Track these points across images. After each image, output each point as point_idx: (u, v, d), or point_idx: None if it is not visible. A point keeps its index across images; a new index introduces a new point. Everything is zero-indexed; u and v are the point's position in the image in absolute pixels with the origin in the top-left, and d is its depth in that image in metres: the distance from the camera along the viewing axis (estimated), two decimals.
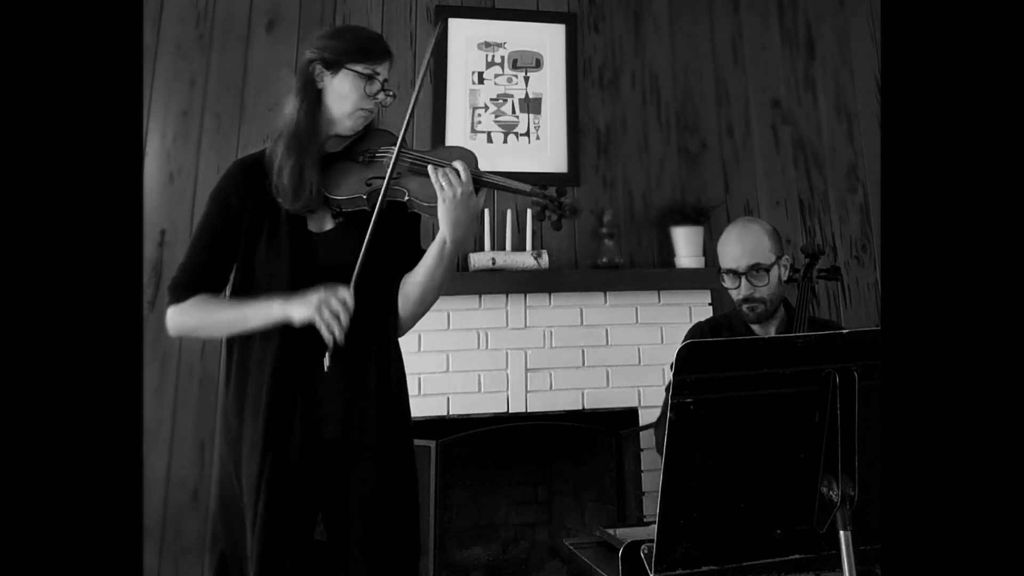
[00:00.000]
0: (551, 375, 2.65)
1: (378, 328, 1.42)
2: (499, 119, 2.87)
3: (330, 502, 1.37)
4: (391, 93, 1.44)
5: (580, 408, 2.67)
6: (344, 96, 1.40)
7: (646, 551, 1.26)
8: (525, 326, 2.65)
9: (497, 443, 2.76)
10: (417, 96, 1.43)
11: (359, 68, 1.39)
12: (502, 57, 2.92)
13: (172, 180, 2.63)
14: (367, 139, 1.48)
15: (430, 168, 1.38)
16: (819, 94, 3.19)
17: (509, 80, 2.91)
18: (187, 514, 2.44)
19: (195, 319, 1.38)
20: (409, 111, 1.40)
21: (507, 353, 2.63)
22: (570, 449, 2.96)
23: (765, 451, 1.02)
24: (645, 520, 2.35)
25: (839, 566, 1.00)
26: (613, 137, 2.98)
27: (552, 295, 2.68)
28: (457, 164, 1.37)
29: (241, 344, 1.40)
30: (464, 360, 2.61)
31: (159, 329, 2.52)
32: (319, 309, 1.27)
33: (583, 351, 2.69)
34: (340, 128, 1.43)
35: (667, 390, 1.91)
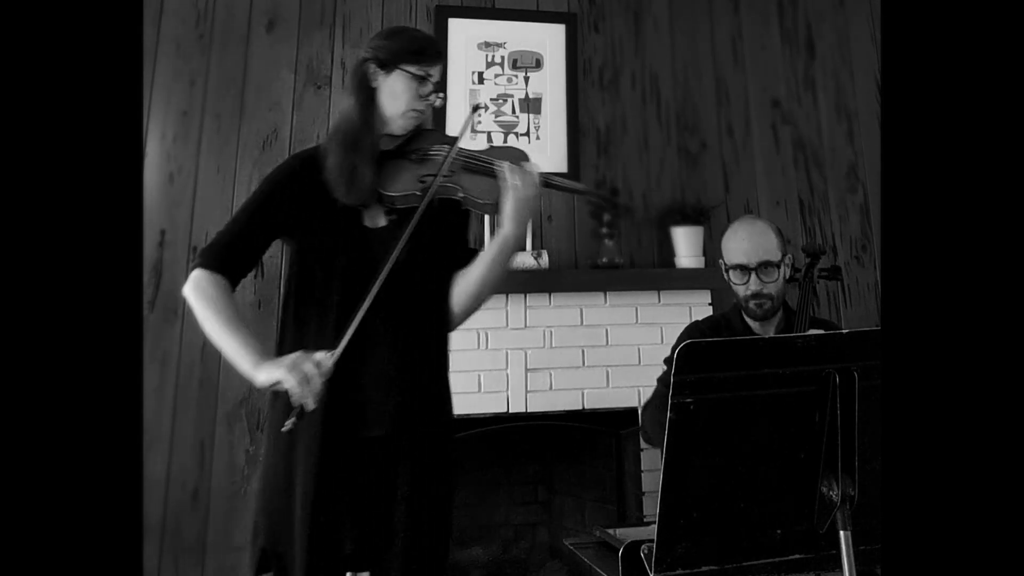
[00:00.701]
0: (551, 375, 2.65)
1: (433, 326, 1.45)
2: (499, 119, 2.87)
3: (375, 501, 1.37)
4: (441, 95, 1.47)
5: (580, 408, 2.67)
6: (397, 96, 1.42)
7: (646, 551, 1.26)
8: (525, 326, 2.65)
9: (497, 443, 2.76)
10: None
11: (412, 69, 1.41)
12: (502, 57, 2.92)
13: (172, 180, 2.63)
14: (419, 138, 1.50)
15: (506, 165, 1.43)
16: (819, 94, 3.19)
17: (509, 80, 2.91)
18: (187, 514, 2.43)
19: (200, 302, 1.37)
20: (469, 117, 1.49)
21: (507, 353, 2.63)
22: (570, 449, 2.96)
23: (765, 451, 1.02)
24: (645, 520, 2.34)
25: (839, 566, 1.00)
26: (613, 137, 2.98)
27: (552, 295, 2.68)
28: (530, 165, 1.44)
29: (294, 341, 1.40)
30: (464, 360, 2.60)
31: (159, 329, 2.53)
32: (290, 369, 1.23)
33: (583, 351, 2.69)
34: (393, 127, 1.46)
35: (659, 380, 1.92)
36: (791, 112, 3.15)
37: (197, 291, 1.38)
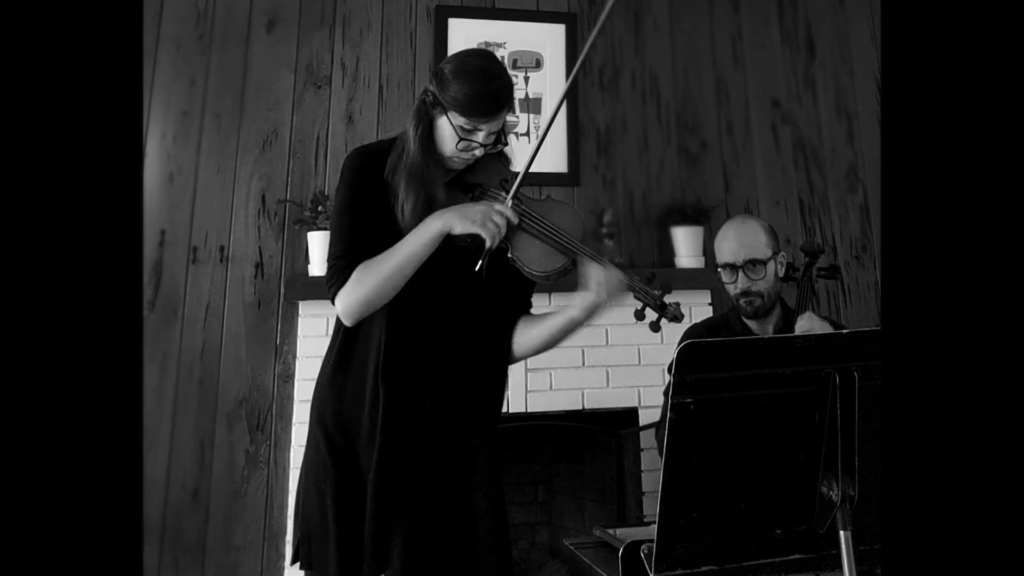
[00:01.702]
0: (551, 375, 2.65)
1: (489, 367, 1.46)
2: None
3: (415, 509, 1.37)
4: (496, 144, 1.40)
5: (580, 408, 2.67)
6: (443, 139, 1.38)
7: (646, 551, 1.26)
8: None
9: None
10: (541, 142, 1.42)
11: (458, 121, 1.34)
12: (502, 57, 2.92)
13: (172, 180, 2.63)
14: (480, 168, 1.45)
15: (594, 267, 1.36)
16: (819, 94, 3.19)
17: None
18: (187, 514, 2.44)
19: (363, 288, 1.34)
20: (526, 166, 1.40)
21: None
22: (570, 449, 2.96)
23: (765, 451, 1.02)
24: (645, 520, 2.34)
25: (839, 566, 1.00)
26: (613, 137, 2.98)
27: (552, 295, 2.67)
28: (620, 276, 1.37)
29: (341, 353, 1.41)
30: None
31: (159, 329, 2.53)
32: (484, 224, 1.33)
33: (583, 351, 2.69)
34: (444, 163, 1.42)
35: (665, 393, 1.92)
36: (791, 112, 3.15)
37: (352, 295, 1.35)
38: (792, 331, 1.77)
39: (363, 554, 1.32)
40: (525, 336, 1.49)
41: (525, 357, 1.53)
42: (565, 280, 2.75)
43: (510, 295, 1.50)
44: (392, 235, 1.37)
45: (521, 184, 1.40)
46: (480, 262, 1.34)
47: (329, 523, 1.34)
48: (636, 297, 1.40)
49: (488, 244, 1.33)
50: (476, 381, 1.43)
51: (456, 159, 1.39)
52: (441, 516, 1.37)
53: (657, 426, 1.96)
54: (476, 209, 1.33)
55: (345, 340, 1.42)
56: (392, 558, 1.32)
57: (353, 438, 1.37)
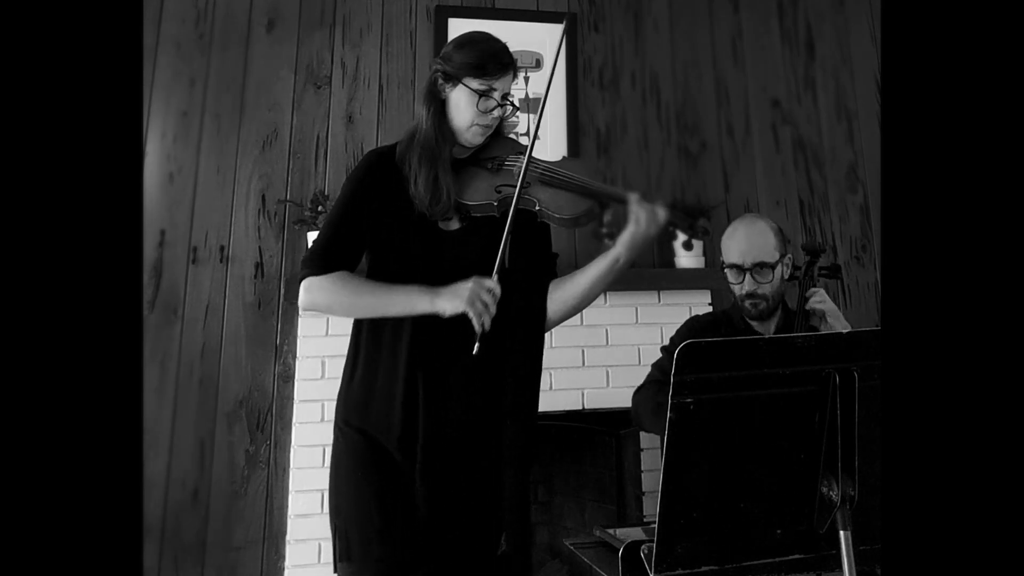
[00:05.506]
0: (551, 375, 2.65)
1: (526, 331, 1.46)
2: None
3: (445, 500, 1.38)
4: (511, 107, 1.46)
5: (580, 408, 2.67)
6: (461, 110, 1.42)
7: (646, 551, 1.26)
8: None
9: None
10: (542, 109, 1.48)
11: (473, 84, 1.40)
12: None
13: (172, 180, 2.63)
14: (494, 145, 1.50)
15: (633, 197, 1.40)
16: (819, 94, 3.19)
17: None
18: (187, 514, 2.43)
19: (332, 296, 1.40)
20: (537, 122, 1.47)
21: None
22: (570, 449, 2.96)
23: (765, 451, 1.02)
24: (645, 520, 2.34)
25: (839, 566, 1.00)
26: (613, 137, 2.98)
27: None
28: (660, 209, 1.40)
29: (370, 332, 1.43)
30: None
31: (159, 329, 2.53)
32: (472, 302, 1.29)
33: (583, 351, 2.69)
34: (461, 139, 1.46)
35: (654, 365, 1.92)
36: (791, 112, 3.14)
37: (321, 293, 1.40)
38: (792, 331, 1.77)
39: (405, 542, 1.33)
40: (563, 291, 1.47)
41: (566, 313, 1.49)
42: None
43: (535, 262, 1.50)
44: (401, 223, 1.41)
45: (534, 140, 1.44)
46: (476, 345, 1.30)
47: (371, 514, 1.34)
48: (669, 221, 1.43)
49: (476, 325, 1.30)
50: (513, 351, 1.43)
51: (476, 127, 1.43)
52: (471, 502, 1.38)
53: (638, 388, 1.93)
54: (465, 287, 1.31)
55: (371, 336, 1.43)
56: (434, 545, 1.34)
57: (386, 429, 1.37)
